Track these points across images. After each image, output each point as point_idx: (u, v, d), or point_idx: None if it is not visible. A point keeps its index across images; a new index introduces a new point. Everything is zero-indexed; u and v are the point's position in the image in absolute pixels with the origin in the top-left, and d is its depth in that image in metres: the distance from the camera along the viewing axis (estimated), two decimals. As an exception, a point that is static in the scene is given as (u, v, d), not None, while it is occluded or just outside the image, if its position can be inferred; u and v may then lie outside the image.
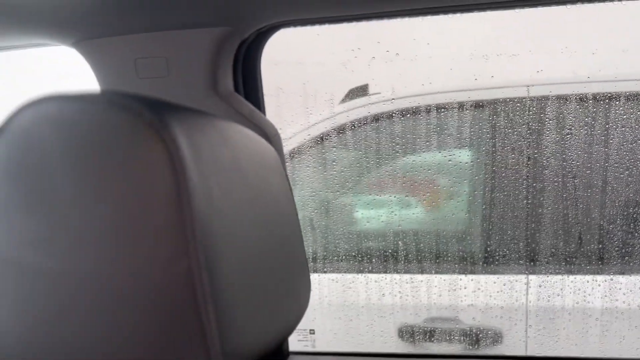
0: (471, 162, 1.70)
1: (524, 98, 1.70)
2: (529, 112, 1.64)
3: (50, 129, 0.40)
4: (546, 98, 1.65)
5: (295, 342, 1.04)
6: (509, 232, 1.62)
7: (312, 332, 1.50)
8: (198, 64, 0.80)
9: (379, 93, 1.95)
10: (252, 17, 0.78)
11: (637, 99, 1.55)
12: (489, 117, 1.69)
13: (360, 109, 1.87)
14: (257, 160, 0.50)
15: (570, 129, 1.58)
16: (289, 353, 0.99)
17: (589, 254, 1.59)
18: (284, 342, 0.99)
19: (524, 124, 1.65)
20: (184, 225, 0.37)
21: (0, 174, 0.41)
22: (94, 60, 0.83)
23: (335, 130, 1.79)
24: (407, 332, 1.64)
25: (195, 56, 0.79)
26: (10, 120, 0.41)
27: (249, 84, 0.90)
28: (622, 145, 1.52)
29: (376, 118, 1.76)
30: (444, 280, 1.70)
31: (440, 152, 1.71)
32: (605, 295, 1.53)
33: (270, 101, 1.00)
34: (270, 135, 0.78)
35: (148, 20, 0.77)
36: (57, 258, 0.40)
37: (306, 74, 1.92)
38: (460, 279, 1.68)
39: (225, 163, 0.43)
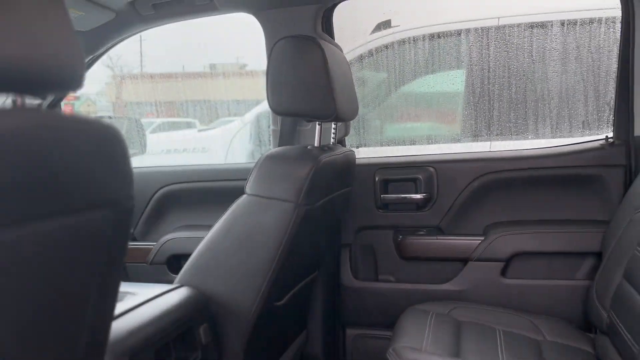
0: (463, 71, 2.64)
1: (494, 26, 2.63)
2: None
3: (286, 45, 1.44)
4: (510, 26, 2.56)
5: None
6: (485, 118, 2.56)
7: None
8: (308, 19, 1.84)
9: (399, 25, 2.91)
10: None
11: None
12: (476, 38, 2.60)
13: (388, 36, 2.82)
14: (343, 57, 1.56)
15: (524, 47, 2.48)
16: None
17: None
18: None
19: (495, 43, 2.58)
20: (328, 81, 1.41)
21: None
22: (265, 24, 1.87)
23: (370, 51, 2.79)
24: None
25: (307, 16, 1.83)
26: (274, 45, 1.46)
27: (328, 26, 1.94)
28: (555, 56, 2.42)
29: (399, 43, 2.73)
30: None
31: (440, 67, 2.66)
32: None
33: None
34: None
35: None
36: None
37: (347, 15, 2.91)
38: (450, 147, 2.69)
39: (337, 56, 1.48)
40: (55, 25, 0.65)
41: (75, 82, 0.69)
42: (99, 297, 0.83)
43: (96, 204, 0.74)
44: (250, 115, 3.08)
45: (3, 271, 0.61)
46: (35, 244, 0.64)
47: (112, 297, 0.87)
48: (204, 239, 1.42)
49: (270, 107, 1.49)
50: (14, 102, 0.66)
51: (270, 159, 1.41)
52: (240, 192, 1.46)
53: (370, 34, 2.96)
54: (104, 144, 0.74)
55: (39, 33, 0.63)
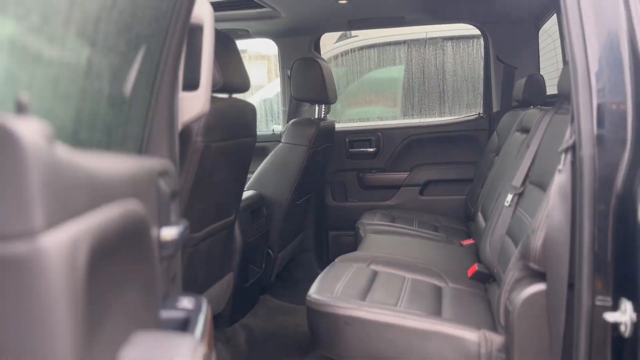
0: (402, 70, 3.94)
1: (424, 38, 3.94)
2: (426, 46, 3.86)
3: (302, 63, 2.69)
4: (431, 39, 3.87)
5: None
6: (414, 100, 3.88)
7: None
8: (306, 44, 3.09)
9: (357, 36, 4.18)
10: (317, 31, 3.07)
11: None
12: (409, 48, 3.91)
13: (347, 45, 4.09)
14: (328, 67, 2.83)
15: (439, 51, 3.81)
16: None
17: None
18: None
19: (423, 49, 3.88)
20: (324, 81, 2.68)
21: None
22: (280, 45, 3.11)
23: (335, 55, 4.06)
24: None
25: (305, 42, 3.08)
26: (294, 63, 2.70)
27: (317, 47, 3.20)
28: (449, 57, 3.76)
29: (358, 48, 4.01)
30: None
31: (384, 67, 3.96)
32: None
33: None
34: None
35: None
36: None
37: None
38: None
39: (326, 67, 2.74)
40: (240, 65, 1.89)
41: (247, 87, 1.93)
42: (241, 179, 2.08)
43: (250, 135, 1.99)
44: (254, 100, 4.29)
45: (213, 163, 1.83)
46: (228, 152, 1.86)
47: (245, 179, 2.12)
48: (259, 167, 2.66)
49: (293, 96, 2.73)
50: (229, 96, 1.91)
51: (294, 124, 2.67)
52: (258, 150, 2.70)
53: (336, 42, 4.23)
54: (252, 108, 1.99)
55: (239, 71, 1.88)
